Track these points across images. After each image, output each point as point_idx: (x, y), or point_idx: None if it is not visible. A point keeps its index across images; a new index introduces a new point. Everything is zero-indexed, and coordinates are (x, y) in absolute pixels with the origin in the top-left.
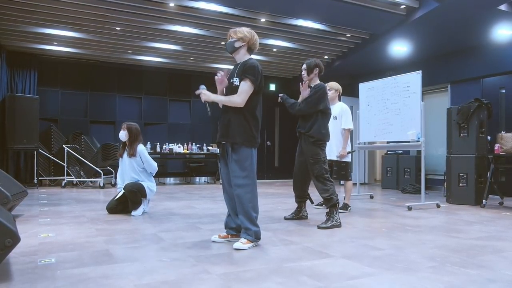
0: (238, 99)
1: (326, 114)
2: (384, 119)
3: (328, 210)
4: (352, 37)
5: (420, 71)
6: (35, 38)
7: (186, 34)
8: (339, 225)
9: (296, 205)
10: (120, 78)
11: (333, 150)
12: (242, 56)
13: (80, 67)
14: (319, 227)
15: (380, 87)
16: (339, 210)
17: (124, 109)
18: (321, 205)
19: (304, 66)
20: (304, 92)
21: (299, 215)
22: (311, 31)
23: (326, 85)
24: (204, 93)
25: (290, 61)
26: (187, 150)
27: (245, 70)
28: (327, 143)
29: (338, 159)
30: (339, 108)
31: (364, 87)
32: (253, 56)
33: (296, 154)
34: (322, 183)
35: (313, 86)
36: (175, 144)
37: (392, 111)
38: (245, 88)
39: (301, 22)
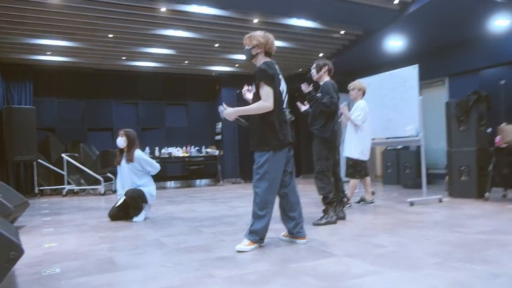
0: (266, 103)
1: (331, 112)
2: (382, 115)
3: (324, 207)
4: (346, 34)
5: (417, 65)
6: (28, 49)
7: (179, 38)
8: (334, 222)
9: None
10: (116, 85)
11: (347, 147)
12: (261, 61)
13: (75, 76)
14: (314, 224)
15: (376, 83)
16: (365, 202)
17: (121, 115)
18: (359, 201)
19: (314, 65)
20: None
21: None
22: (305, 29)
23: (349, 85)
24: (228, 113)
25: (285, 60)
26: (186, 153)
27: (256, 77)
28: (339, 141)
29: (349, 156)
30: (355, 106)
31: (369, 83)
32: None
33: None
34: (320, 180)
35: (321, 83)
36: (174, 147)
37: (390, 106)
38: (265, 91)
39: (294, 21)
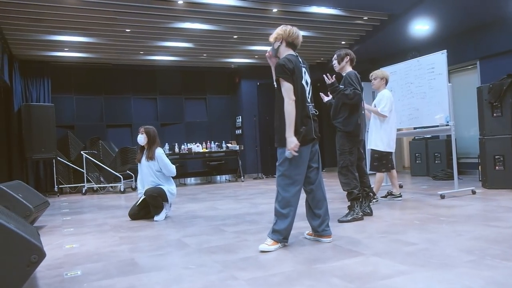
0: (288, 100)
1: (355, 104)
2: (409, 104)
3: (349, 203)
4: (370, 20)
5: (445, 50)
6: (46, 46)
7: (197, 31)
8: (360, 218)
9: None
10: (134, 80)
11: (372, 139)
12: (283, 54)
13: (92, 72)
14: (339, 221)
15: (403, 71)
16: (392, 196)
17: (139, 111)
18: (386, 196)
19: (335, 56)
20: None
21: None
22: (326, 17)
23: (371, 74)
24: (293, 145)
25: (307, 49)
26: (206, 148)
27: (275, 72)
28: (364, 134)
29: (375, 148)
30: (379, 96)
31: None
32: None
33: None
34: (344, 175)
35: (343, 74)
36: (193, 143)
37: (417, 95)
38: (285, 87)
39: (314, 9)
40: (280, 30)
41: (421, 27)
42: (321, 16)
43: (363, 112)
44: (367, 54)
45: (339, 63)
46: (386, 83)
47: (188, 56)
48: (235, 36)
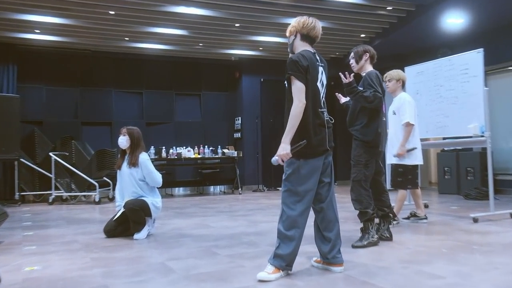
0: (297, 102)
1: (375, 109)
2: (438, 110)
3: (362, 225)
4: (395, 10)
5: (482, 49)
6: (12, 26)
7: (193, 16)
8: (376, 243)
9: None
10: (116, 71)
11: (394, 151)
12: (298, 49)
13: (68, 59)
14: (353, 246)
15: (431, 71)
16: (416, 218)
17: (122, 107)
18: (409, 217)
19: (352, 54)
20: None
21: (378, 234)
22: (344, 5)
23: (385, 75)
24: (283, 153)
25: (321, 42)
26: (198, 154)
27: (287, 70)
28: (384, 144)
29: (397, 162)
30: (398, 101)
31: (411, 72)
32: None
33: None
34: (356, 191)
35: (363, 75)
36: (184, 147)
37: (447, 99)
38: (297, 87)
39: None
40: (294, 22)
41: (454, 20)
42: (338, 4)
43: (383, 118)
44: (390, 50)
45: (357, 61)
46: (403, 85)
47: (181, 45)
48: (237, 24)
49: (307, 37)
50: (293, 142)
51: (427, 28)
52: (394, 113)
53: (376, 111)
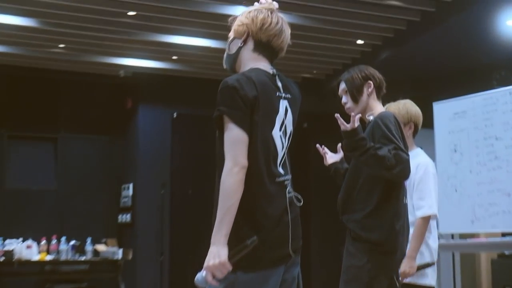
0: (227, 172)
1: (395, 184)
2: (492, 183)
3: None
4: (413, 1)
5: None
6: None
7: None
8: None
9: None
10: None
11: None
12: (245, 66)
13: None
14: None
15: (479, 112)
16: None
17: None
18: None
19: (343, 84)
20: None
21: None
22: None
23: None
24: (218, 264)
25: (289, 55)
26: (48, 253)
27: (217, 102)
28: (405, 246)
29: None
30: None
31: (443, 111)
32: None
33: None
34: None
35: (370, 119)
36: (19, 239)
37: (509, 164)
38: (227, 140)
39: None
40: (244, 15)
41: None
42: None
43: (405, 200)
44: (406, 69)
45: (354, 97)
46: (415, 132)
47: (24, 46)
48: (131, 13)
49: (265, 46)
50: (231, 242)
51: (471, 33)
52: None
53: (395, 186)
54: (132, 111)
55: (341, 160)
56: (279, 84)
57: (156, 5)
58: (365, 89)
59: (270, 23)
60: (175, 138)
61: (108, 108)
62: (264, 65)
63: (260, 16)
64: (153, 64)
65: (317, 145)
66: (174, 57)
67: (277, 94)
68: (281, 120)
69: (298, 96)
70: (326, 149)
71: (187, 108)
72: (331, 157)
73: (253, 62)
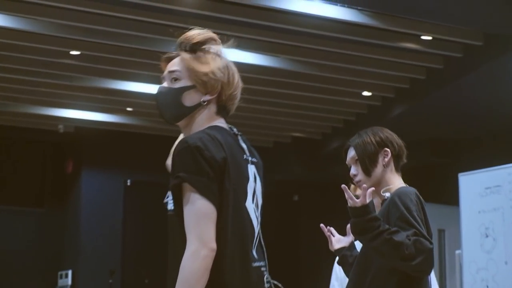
0: (191, 255)
1: (414, 278)
2: None
3: None
4: (438, 45)
5: None
6: None
7: None
8: None
9: None
10: None
11: None
12: (199, 125)
13: None
14: None
15: None
16: None
17: None
18: None
19: (352, 151)
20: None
21: None
22: (328, 27)
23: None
24: None
25: (287, 108)
26: None
27: (174, 167)
28: None
29: None
30: None
31: (472, 184)
32: None
33: None
34: None
35: (386, 196)
36: None
37: None
38: (189, 216)
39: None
40: (217, 68)
41: None
42: (317, 24)
43: None
44: (422, 130)
45: (366, 169)
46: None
47: None
48: (74, 52)
49: (225, 106)
50: None
51: (507, 84)
52: None
53: (414, 282)
54: (73, 176)
55: (350, 246)
56: (244, 145)
57: (106, 43)
58: (380, 159)
59: (231, 74)
60: (127, 211)
61: (44, 173)
62: (222, 122)
63: (236, 77)
64: (100, 117)
65: (321, 225)
66: (129, 109)
67: (244, 157)
68: (252, 190)
69: (260, 162)
70: (333, 230)
71: (143, 174)
72: (337, 241)
73: (209, 121)
